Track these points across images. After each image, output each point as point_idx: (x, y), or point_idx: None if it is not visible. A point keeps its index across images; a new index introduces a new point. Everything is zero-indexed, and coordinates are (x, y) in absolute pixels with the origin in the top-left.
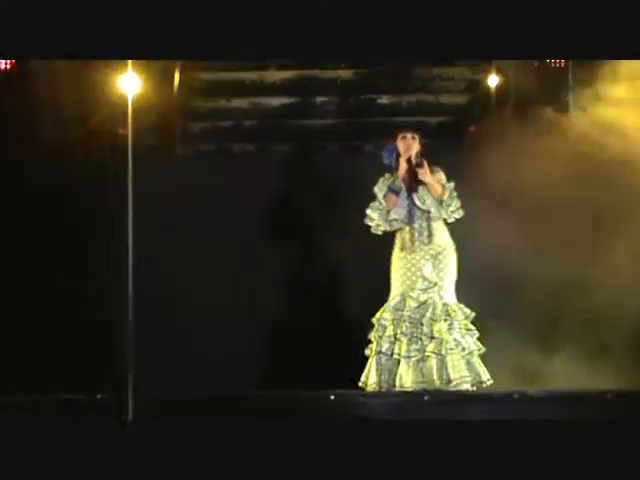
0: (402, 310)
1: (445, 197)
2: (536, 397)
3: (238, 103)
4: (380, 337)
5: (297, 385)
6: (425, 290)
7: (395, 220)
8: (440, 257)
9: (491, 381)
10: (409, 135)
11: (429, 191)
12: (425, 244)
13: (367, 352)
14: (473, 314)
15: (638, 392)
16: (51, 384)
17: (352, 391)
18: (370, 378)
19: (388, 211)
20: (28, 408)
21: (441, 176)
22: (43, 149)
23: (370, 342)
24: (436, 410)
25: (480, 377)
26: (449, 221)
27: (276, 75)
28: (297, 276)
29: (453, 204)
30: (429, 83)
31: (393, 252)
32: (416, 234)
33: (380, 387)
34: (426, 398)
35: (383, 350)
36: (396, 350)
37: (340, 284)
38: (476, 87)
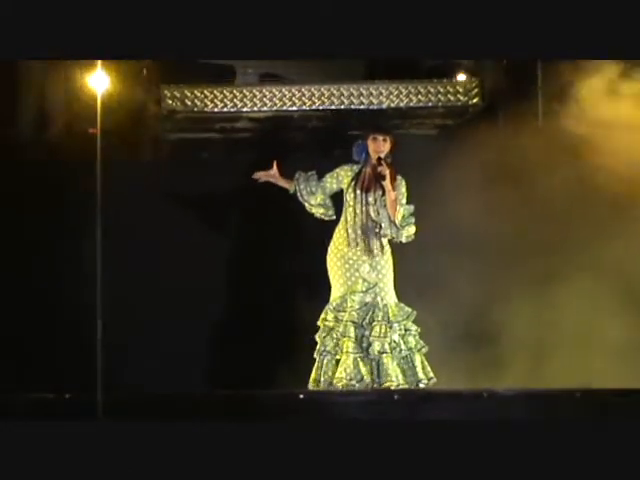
0: (344, 311)
1: (398, 219)
2: (506, 395)
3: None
4: (324, 337)
5: (264, 385)
6: (366, 291)
7: (322, 206)
8: (377, 258)
9: (435, 380)
10: (380, 137)
11: (386, 205)
12: (363, 248)
13: (316, 355)
14: (414, 313)
15: (607, 390)
16: (18, 384)
17: (321, 390)
18: (312, 376)
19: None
20: None
21: (401, 190)
22: (11, 148)
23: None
24: (406, 409)
25: (424, 377)
26: (397, 241)
27: (248, 124)
28: (264, 277)
29: (406, 229)
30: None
31: (329, 248)
32: (359, 234)
33: (318, 385)
34: (396, 397)
35: (327, 349)
36: (338, 350)
37: (305, 283)
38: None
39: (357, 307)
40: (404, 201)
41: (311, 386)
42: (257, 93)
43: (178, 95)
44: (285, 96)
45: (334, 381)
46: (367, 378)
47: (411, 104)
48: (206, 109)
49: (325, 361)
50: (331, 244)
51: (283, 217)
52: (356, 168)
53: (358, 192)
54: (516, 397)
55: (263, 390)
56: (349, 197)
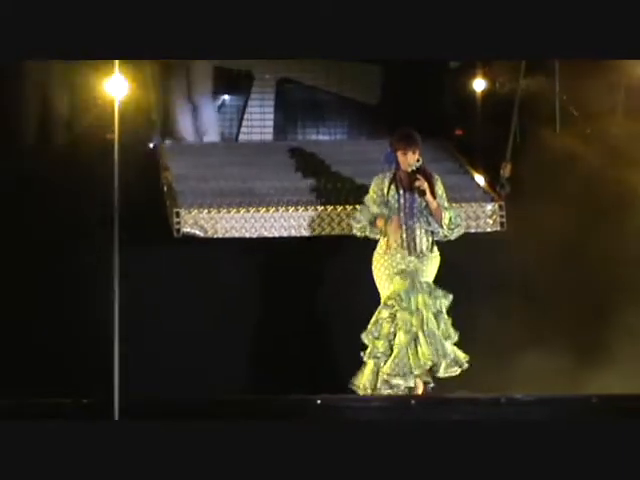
0: (396, 302)
1: (445, 223)
2: (523, 401)
3: None
4: (376, 339)
5: (284, 391)
6: (408, 273)
7: (378, 233)
8: (425, 260)
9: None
10: (409, 152)
11: (432, 214)
12: (412, 250)
13: (364, 356)
14: (450, 296)
15: (623, 396)
16: (36, 389)
17: (339, 396)
18: (361, 380)
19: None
20: (12, 413)
21: (440, 193)
22: (30, 151)
23: (366, 346)
24: (423, 414)
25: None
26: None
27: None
28: (282, 282)
29: (456, 230)
30: None
31: (375, 255)
32: (407, 237)
33: (367, 388)
34: (412, 402)
35: (381, 351)
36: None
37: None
38: None
39: (405, 289)
40: (446, 203)
41: (360, 390)
42: (277, 217)
43: (198, 221)
44: (306, 219)
45: (384, 377)
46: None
47: None
48: (226, 235)
49: (381, 363)
50: (377, 250)
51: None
52: (389, 174)
53: (401, 197)
54: (534, 403)
55: (281, 395)
56: (392, 201)
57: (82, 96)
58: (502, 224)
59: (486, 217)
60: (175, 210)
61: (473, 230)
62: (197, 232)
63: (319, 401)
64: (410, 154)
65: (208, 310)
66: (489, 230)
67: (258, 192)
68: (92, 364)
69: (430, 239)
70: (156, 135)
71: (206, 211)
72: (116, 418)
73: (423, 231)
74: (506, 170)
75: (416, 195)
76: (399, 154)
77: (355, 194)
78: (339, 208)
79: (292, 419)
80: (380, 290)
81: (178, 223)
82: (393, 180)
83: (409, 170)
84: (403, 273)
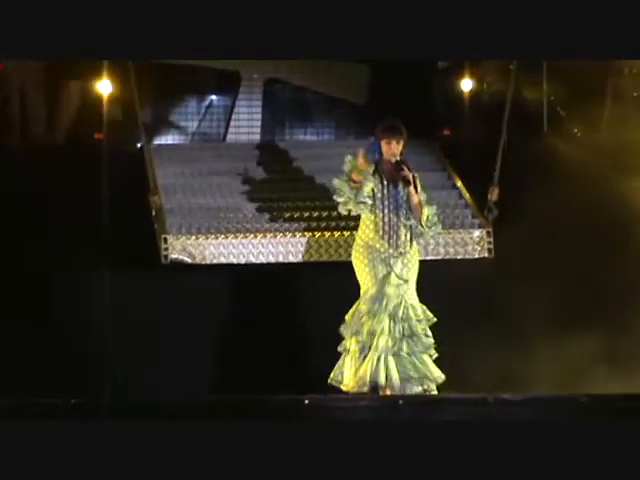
0: (380, 304)
1: (423, 220)
2: (511, 401)
3: None
4: (355, 333)
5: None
6: (397, 286)
7: (364, 203)
8: (408, 256)
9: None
10: (394, 140)
11: (411, 208)
12: (394, 242)
13: (341, 350)
14: (435, 319)
15: (613, 396)
16: (25, 389)
17: (326, 396)
18: (363, 377)
19: (358, 190)
20: (3, 414)
21: (419, 186)
22: (20, 151)
23: (343, 339)
24: (411, 414)
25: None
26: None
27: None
28: (267, 284)
29: (432, 229)
30: None
31: (356, 243)
32: (390, 228)
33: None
34: (400, 402)
35: (362, 346)
36: (375, 346)
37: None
38: None
39: (393, 301)
40: (424, 200)
41: (335, 383)
42: (264, 244)
43: (186, 247)
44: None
45: (357, 379)
46: (392, 376)
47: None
48: (214, 260)
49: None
50: (357, 239)
51: None
52: (372, 164)
53: (384, 187)
54: (522, 402)
55: (269, 395)
56: (376, 190)
57: (69, 97)
58: (490, 250)
59: (474, 244)
60: (163, 236)
61: (460, 257)
62: (185, 258)
63: (307, 401)
64: (394, 143)
65: (199, 314)
66: (477, 257)
67: (246, 212)
68: (83, 366)
69: (409, 234)
70: (142, 136)
71: (194, 237)
72: (106, 419)
73: (402, 225)
74: (494, 194)
75: (400, 187)
76: (383, 143)
77: (344, 219)
78: (327, 234)
79: (281, 419)
80: (359, 274)
81: (166, 249)
82: (376, 170)
83: (392, 160)
84: (396, 282)
